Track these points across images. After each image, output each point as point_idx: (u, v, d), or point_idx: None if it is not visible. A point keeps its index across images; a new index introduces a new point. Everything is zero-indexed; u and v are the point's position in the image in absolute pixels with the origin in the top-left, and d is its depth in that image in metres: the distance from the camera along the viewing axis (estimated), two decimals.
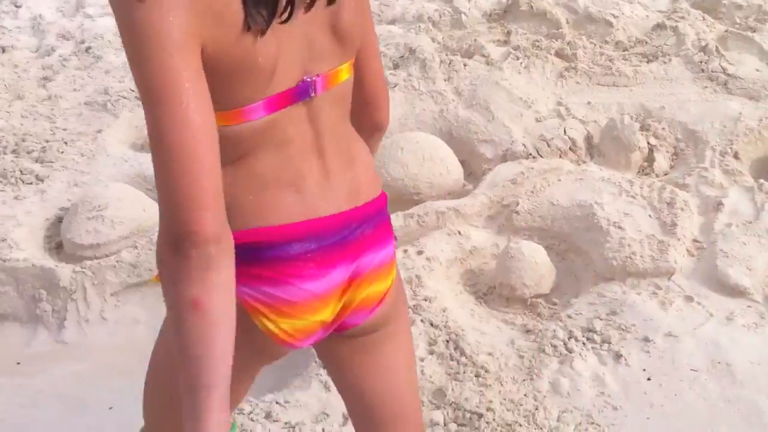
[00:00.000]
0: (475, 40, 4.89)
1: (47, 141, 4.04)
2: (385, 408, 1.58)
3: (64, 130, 4.16)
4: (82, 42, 5.33)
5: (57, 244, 3.47)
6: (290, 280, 1.32)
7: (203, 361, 1.12)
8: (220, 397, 1.14)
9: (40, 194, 3.67)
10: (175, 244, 1.11)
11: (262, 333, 1.34)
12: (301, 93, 1.32)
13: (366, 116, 1.61)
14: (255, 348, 1.38)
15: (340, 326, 1.46)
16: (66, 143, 4.03)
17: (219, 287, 1.12)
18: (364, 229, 1.42)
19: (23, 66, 4.98)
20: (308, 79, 1.33)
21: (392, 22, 5.44)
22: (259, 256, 1.31)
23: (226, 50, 1.19)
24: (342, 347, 1.54)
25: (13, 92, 4.61)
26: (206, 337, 1.12)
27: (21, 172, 3.78)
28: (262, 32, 1.20)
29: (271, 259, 1.31)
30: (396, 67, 4.66)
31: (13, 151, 3.98)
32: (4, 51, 5.13)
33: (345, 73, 1.41)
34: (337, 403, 2.46)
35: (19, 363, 3.12)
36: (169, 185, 1.11)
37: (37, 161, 3.89)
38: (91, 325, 3.17)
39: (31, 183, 3.73)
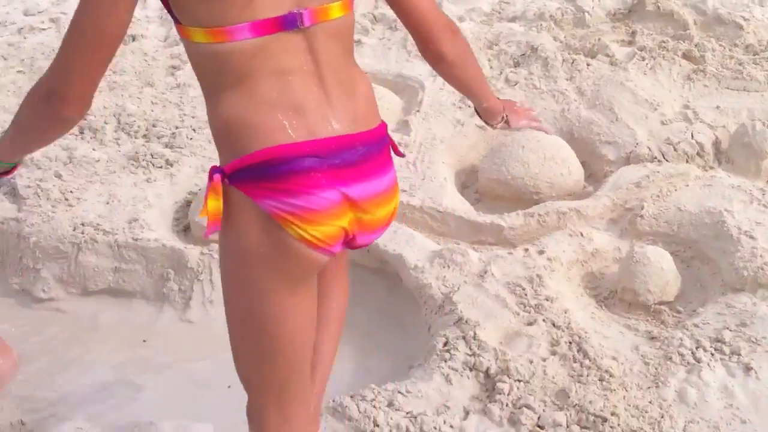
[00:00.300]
0: (599, 39, 4.81)
1: (176, 127, 4.17)
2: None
3: (193, 117, 4.28)
4: None
5: (185, 226, 3.58)
6: (307, 189, 1.50)
7: (28, 145, 1.73)
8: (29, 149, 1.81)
9: (169, 178, 3.79)
10: (48, 94, 1.50)
11: (298, 241, 1.54)
12: (289, 22, 1.52)
13: (425, 48, 1.81)
14: (297, 258, 1.57)
15: (352, 245, 1.67)
16: (194, 130, 4.15)
17: (58, 131, 1.61)
18: (366, 152, 1.60)
19: (152, 54, 5.14)
20: (296, 11, 1.52)
21: (513, 19, 5.39)
22: (272, 172, 1.50)
23: None
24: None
25: (144, 79, 4.78)
26: (36, 144, 1.72)
27: (152, 156, 3.91)
28: None
29: (283, 174, 1.50)
30: (517, 65, 4.63)
31: (144, 136, 4.13)
32: (134, 39, 5.30)
33: (336, 11, 1.58)
34: (459, 396, 2.47)
35: (145, 340, 3.24)
36: (67, 53, 1.48)
37: (167, 146, 4.02)
38: (215, 305, 3.26)
39: (161, 167, 3.86)
